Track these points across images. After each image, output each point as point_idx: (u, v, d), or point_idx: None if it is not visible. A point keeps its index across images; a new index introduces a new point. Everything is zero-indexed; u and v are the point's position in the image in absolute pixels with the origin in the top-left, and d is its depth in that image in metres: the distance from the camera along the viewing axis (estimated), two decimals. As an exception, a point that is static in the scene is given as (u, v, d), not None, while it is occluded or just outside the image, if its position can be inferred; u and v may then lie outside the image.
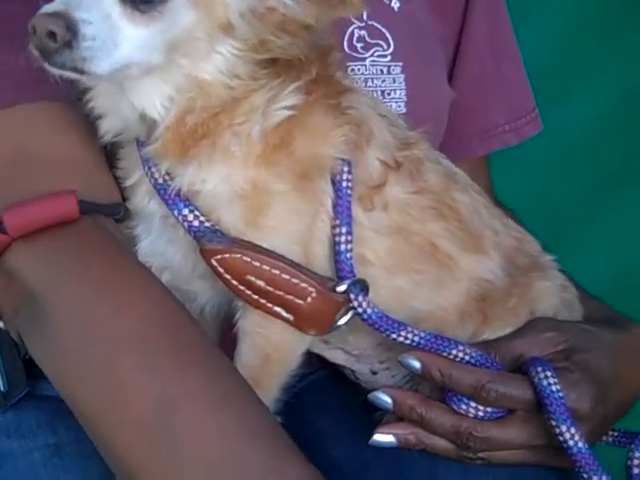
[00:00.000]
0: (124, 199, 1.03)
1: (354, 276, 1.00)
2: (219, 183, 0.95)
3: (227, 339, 1.05)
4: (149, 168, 0.98)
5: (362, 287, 1.00)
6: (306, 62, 0.95)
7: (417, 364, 1.02)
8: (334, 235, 0.99)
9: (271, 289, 0.96)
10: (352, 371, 1.15)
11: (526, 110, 1.41)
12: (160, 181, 0.97)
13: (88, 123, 1.06)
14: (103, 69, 0.88)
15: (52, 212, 0.96)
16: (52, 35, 0.85)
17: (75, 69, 0.87)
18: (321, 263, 1.01)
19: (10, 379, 1.13)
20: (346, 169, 0.99)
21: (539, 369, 1.02)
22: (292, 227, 0.98)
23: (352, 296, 0.99)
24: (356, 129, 1.00)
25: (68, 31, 0.85)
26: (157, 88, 0.94)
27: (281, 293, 0.97)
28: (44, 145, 1.01)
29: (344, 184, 0.99)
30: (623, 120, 2.05)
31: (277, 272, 0.96)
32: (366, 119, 1.02)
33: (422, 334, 1.02)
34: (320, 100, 0.97)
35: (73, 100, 1.07)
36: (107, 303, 0.93)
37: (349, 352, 1.12)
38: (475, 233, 1.08)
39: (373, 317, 1.00)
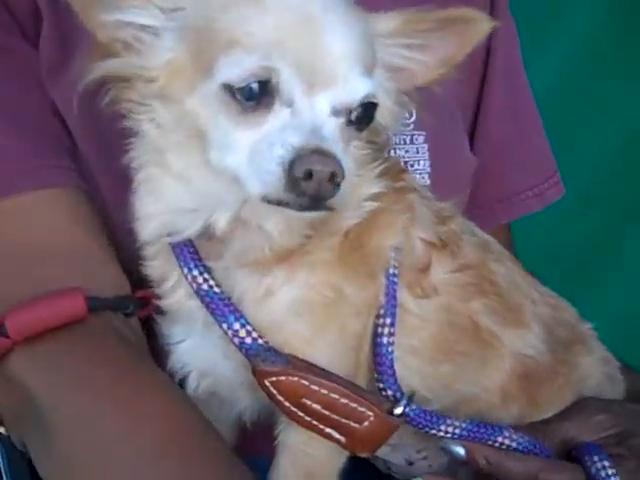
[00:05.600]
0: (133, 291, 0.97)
1: (392, 369, 0.93)
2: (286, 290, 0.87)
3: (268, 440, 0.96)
4: (189, 271, 0.87)
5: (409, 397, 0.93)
6: None
7: (461, 451, 0.95)
8: (377, 326, 0.91)
9: (327, 413, 0.88)
10: (384, 461, 1.08)
11: (548, 174, 1.34)
12: (205, 287, 0.87)
13: (94, 211, 1.00)
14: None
15: (57, 313, 0.89)
16: (333, 178, 0.74)
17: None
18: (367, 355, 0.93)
19: (16, 481, 1.06)
20: (392, 255, 0.91)
21: (595, 458, 0.95)
22: (352, 330, 0.90)
23: None
24: (410, 215, 0.93)
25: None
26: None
27: (337, 417, 0.89)
28: (46, 236, 0.94)
29: (391, 271, 0.91)
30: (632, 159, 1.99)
31: (336, 396, 0.88)
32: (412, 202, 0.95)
33: (463, 424, 0.96)
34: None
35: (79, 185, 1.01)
36: (113, 417, 0.87)
37: (385, 441, 1.05)
38: (515, 306, 1.02)
39: (411, 414, 0.93)
